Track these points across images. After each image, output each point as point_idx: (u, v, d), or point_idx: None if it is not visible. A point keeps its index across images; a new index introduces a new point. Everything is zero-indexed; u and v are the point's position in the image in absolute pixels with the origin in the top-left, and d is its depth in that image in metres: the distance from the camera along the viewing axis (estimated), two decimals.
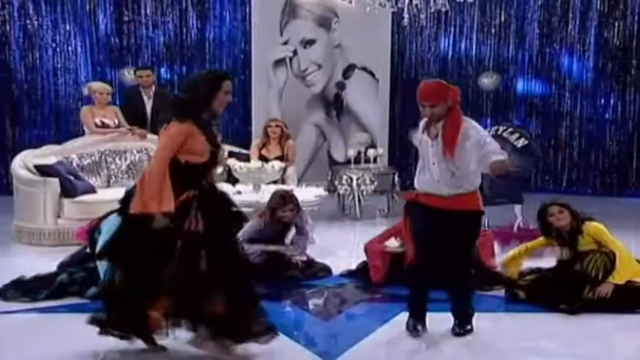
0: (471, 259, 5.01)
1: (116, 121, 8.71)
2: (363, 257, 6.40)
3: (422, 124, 4.85)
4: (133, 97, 9.27)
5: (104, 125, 8.61)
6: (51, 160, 7.91)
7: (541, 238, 5.95)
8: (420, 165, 4.84)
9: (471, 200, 4.78)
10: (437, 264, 4.82)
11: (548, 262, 5.97)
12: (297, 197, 6.46)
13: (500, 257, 6.30)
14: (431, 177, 4.74)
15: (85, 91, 9.09)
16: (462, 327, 4.92)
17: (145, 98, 9.17)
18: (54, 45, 11.14)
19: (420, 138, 4.81)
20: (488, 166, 4.62)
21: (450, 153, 4.62)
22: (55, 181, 7.61)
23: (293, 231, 6.57)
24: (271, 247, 6.24)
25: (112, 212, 5.91)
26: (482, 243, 5.72)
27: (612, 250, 5.51)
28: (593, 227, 5.63)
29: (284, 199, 6.33)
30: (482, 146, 4.67)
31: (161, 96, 9.40)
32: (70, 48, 11.19)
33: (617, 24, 11.49)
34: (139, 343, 4.49)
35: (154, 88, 9.26)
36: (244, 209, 5.67)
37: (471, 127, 4.73)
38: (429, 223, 4.77)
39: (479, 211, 4.83)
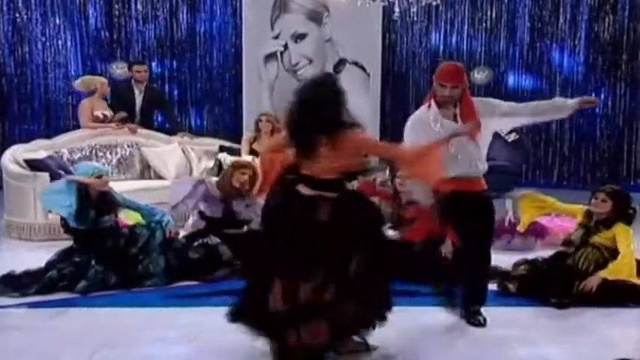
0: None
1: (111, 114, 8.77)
2: None
3: (426, 113, 4.85)
4: (125, 91, 9.24)
5: (105, 117, 8.69)
6: (41, 155, 7.88)
7: (579, 207, 5.97)
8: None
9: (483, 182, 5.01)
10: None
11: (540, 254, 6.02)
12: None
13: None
14: (455, 158, 4.79)
15: (77, 86, 9.02)
16: (479, 311, 5.06)
17: (137, 92, 9.16)
18: (43, 39, 11.07)
19: (436, 124, 4.79)
20: (577, 104, 4.88)
21: (476, 133, 4.76)
22: (45, 176, 7.55)
23: (242, 205, 6.52)
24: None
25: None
26: None
27: (615, 249, 5.51)
28: (622, 228, 5.59)
29: (246, 162, 6.44)
30: (515, 106, 4.96)
31: (152, 91, 9.40)
32: (59, 42, 11.13)
33: (607, 18, 11.51)
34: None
35: (145, 83, 9.26)
36: None
37: (480, 101, 4.93)
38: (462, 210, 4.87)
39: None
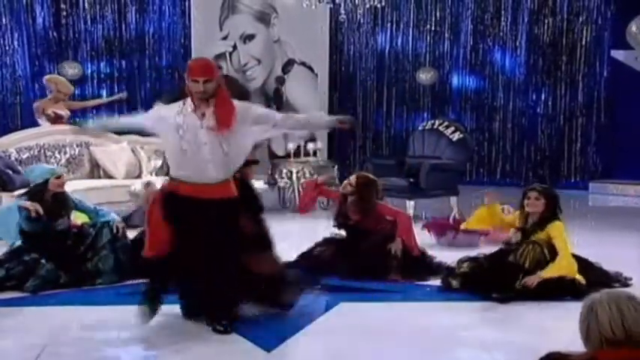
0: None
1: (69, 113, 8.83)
2: (303, 249, 6.49)
3: (172, 109, 4.69)
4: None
5: (57, 116, 8.76)
6: None
7: (512, 216, 6.11)
8: (181, 151, 4.61)
9: (231, 187, 4.74)
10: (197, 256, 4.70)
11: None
12: None
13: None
14: (200, 159, 4.58)
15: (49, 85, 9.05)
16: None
17: None
18: None
19: (179, 120, 4.59)
20: (333, 122, 5.08)
21: (227, 127, 4.54)
22: None
23: None
24: None
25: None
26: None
27: (554, 245, 5.63)
28: (556, 227, 5.68)
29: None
30: (270, 114, 4.86)
31: None
32: (6, 42, 11.04)
33: (547, 21, 11.82)
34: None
35: None
36: None
37: (241, 106, 4.73)
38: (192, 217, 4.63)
39: (238, 199, 4.81)
